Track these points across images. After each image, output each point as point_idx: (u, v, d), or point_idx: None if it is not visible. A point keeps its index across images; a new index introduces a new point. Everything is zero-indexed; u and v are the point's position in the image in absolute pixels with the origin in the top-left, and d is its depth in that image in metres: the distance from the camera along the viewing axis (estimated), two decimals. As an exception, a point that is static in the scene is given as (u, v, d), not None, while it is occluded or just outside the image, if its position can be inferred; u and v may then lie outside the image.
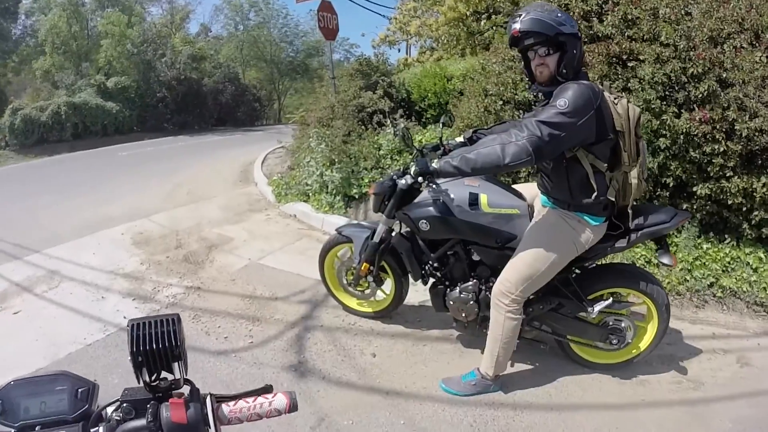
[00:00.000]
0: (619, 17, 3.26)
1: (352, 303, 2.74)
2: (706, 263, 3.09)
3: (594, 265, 2.21)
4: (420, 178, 1.83)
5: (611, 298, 2.09)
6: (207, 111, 18.67)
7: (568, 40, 1.68)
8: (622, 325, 2.15)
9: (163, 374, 0.64)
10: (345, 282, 2.66)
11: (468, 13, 8.73)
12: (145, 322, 0.62)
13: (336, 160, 4.73)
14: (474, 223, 2.07)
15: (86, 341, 2.60)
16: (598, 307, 2.06)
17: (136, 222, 4.75)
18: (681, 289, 3.01)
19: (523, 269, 1.88)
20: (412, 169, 1.86)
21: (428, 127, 5.94)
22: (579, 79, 1.72)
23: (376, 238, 2.33)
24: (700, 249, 3.16)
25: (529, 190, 2.22)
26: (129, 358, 0.60)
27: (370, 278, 2.48)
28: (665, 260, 1.98)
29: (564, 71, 1.72)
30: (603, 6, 3.42)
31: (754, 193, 2.88)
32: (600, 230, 1.91)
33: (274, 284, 3.22)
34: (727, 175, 2.95)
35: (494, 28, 8.38)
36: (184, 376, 0.65)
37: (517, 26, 1.72)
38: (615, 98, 1.74)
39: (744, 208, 2.99)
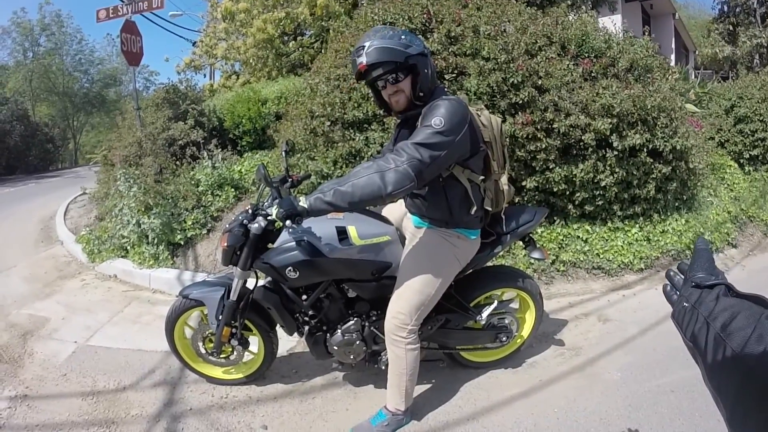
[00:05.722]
0: (444, 34, 3.52)
1: (217, 373, 2.33)
2: (544, 244, 3.52)
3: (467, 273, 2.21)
4: (288, 221, 1.50)
5: (495, 301, 2.17)
6: (-6, 157, 14.82)
7: (418, 61, 1.61)
8: (506, 321, 2.25)
9: None
10: (204, 351, 2.23)
11: (277, 35, 8.71)
12: None
13: (152, 203, 4.09)
14: (347, 260, 1.88)
15: None
16: (485, 313, 2.11)
17: None
18: (528, 272, 3.34)
19: (413, 298, 1.78)
20: (275, 212, 1.54)
21: (245, 156, 5.64)
22: (436, 96, 1.67)
23: (233, 296, 1.98)
24: (536, 234, 3.56)
25: (393, 211, 2.12)
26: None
27: (234, 341, 2.12)
28: (536, 255, 2.11)
29: (421, 94, 1.65)
30: (428, 24, 3.66)
31: (574, 178, 3.41)
32: (478, 242, 1.93)
33: (116, 369, 2.55)
34: (550, 167, 3.43)
35: (301, 49, 8.57)
36: None
37: (362, 60, 1.58)
38: (477, 110, 1.77)
39: (567, 192, 3.51)
